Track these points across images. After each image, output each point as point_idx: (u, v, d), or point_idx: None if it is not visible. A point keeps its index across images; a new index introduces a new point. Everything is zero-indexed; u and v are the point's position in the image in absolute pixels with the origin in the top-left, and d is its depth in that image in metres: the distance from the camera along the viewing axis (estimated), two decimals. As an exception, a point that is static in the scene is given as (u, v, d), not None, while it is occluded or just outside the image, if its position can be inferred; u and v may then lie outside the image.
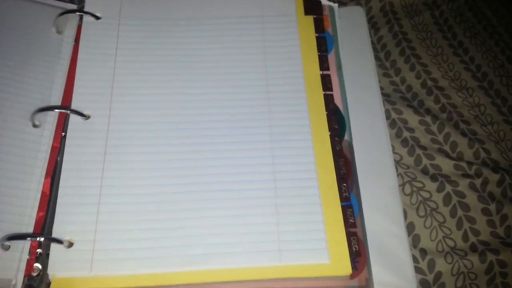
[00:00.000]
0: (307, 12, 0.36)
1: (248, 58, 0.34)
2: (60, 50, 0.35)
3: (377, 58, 0.38)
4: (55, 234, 0.28)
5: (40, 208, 0.29)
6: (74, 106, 0.32)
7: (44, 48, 0.35)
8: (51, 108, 0.32)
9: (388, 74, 0.37)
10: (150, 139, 0.31)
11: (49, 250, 0.28)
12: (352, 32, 0.37)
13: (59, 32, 0.35)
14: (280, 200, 0.29)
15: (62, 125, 0.32)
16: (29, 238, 0.28)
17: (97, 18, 0.35)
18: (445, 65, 0.38)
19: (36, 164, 0.31)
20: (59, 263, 0.27)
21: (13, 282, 0.27)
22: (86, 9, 0.35)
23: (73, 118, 0.32)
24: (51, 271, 0.27)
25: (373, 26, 0.40)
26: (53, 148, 0.31)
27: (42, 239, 0.28)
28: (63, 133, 0.32)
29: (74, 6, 0.37)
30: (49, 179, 0.30)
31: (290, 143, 0.31)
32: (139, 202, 0.29)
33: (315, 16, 0.36)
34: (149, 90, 0.33)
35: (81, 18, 0.36)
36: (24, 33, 0.35)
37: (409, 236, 0.30)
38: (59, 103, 0.33)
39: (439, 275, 0.29)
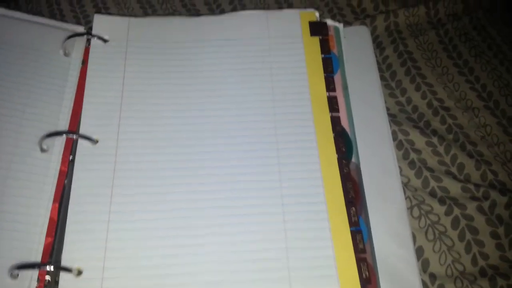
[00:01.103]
0: (313, 33, 0.36)
1: (254, 79, 0.35)
2: (68, 72, 0.35)
3: (382, 78, 0.38)
4: (64, 261, 0.28)
5: (48, 234, 0.29)
6: (82, 130, 0.32)
7: (52, 71, 0.35)
8: (59, 133, 0.32)
9: (394, 95, 0.38)
10: (159, 163, 0.31)
11: (57, 277, 0.28)
12: (358, 52, 0.37)
13: (66, 54, 0.36)
14: (289, 225, 0.29)
15: (70, 148, 0.32)
16: (38, 268, 0.28)
17: (105, 41, 0.36)
18: (450, 85, 0.38)
19: (44, 189, 0.31)
20: (69, 291, 0.27)
21: (23, 310, 0.27)
22: (94, 32, 0.36)
23: (82, 142, 0.32)
24: (61, 300, 0.27)
25: (378, 45, 0.40)
26: (61, 172, 0.31)
27: (51, 268, 0.28)
28: (71, 157, 0.32)
29: (82, 29, 0.37)
30: (56, 205, 0.30)
31: (297, 166, 0.31)
32: (148, 228, 0.29)
33: (320, 37, 0.36)
34: (157, 113, 0.33)
35: (88, 39, 0.36)
36: (32, 55, 0.35)
37: (418, 260, 0.30)
38: (67, 126, 0.33)
39: (449, 300, 0.29)
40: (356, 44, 0.37)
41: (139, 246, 0.28)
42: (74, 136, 0.32)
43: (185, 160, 0.31)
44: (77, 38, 0.36)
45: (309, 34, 0.36)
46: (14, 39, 0.35)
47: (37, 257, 0.29)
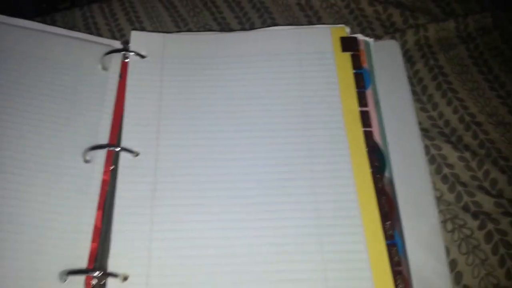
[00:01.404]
0: (344, 49, 0.37)
1: (286, 95, 0.35)
2: (106, 86, 0.36)
3: (413, 92, 0.38)
4: (110, 267, 0.29)
5: (93, 240, 0.31)
6: (124, 143, 0.33)
7: (91, 85, 0.36)
8: (103, 147, 0.33)
9: (425, 109, 0.38)
10: (197, 175, 0.32)
11: (102, 281, 0.29)
12: (388, 66, 0.37)
13: (104, 68, 0.37)
14: (324, 238, 0.30)
15: (111, 159, 0.34)
16: (86, 273, 0.29)
17: (142, 56, 0.37)
18: (481, 100, 0.38)
19: (88, 198, 0.32)
20: (115, 297, 0.28)
21: (71, 314, 0.29)
22: (131, 48, 0.37)
23: (124, 154, 0.33)
24: (107, 305, 0.28)
25: (408, 60, 0.40)
26: (103, 181, 0.33)
27: (99, 274, 0.29)
28: (112, 166, 0.33)
29: (119, 44, 0.38)
30: (100, 212, 0.32)
31: (331, 180, 0.32)
32: (190, 237, 0.30)
33: (352, 53, 0.37)
34: (193, 127, 0.34)
35: (124, 54, 0.37)
36: (73, 71, 0.36)
37: (451, 273, 0.31)
38: (107, 138, 0.34)
39: (483, 313, 0.29)
40: (386, 58, 0.38)
41: (181, 255, 0.30)
42: (117, 149, 0.33)
43: (221, 172, 0.32)
44: (114, 54, 0.37)
45: (340, 49, 0.37)
46: (54, 55, 0.37)
47: (83, 263, 0.30)
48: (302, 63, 0.37)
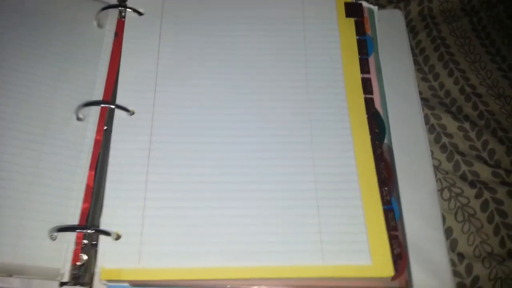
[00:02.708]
0: (348, 14, 0.36)
1: (288, 59, 0.35)
2: (101, 44, 0.35)
3: (415, 62, 0.38)
4: (103, 226, 0.29)
5: (84, 200, 0.30)
6: (118, 101, 0.32)
7: (86, 41, 0.35)
8: (97, 103, 0.32)
9: (427, 79, 0.38)
10: (193, 136, 0.32)
11: (94, 241, 0.29)
12: (391, 35, 0.37)
13: (100, 26, 0.36)
14: (322, 201, 0.30)
15: (104, 118, 0.33)
16: (78, 230, 0.29)
17: (140, 14, 0.36)
18: (483, 72, 0.38)
19: (80, 157, 0.31)
20: (108, 254, 0.28)
21: (61, 271, 0.28)
22: (129, 4, 0.36)
23: (118, 113, 0.32)
24: (100, 263, 0.28)
25: (411, 30, 0.40)
26: (96, 141, 0.32)
27: (92, 231, 0.28)
28: (105, 127, 0.32)
29: (115, 1, 0.37)
30: (93, 172, 0.31)
31: (330, 145, 0.31)
32: (185, 197, 0.30)
33: (356, 19, 0.36)
34: (191, 87, 0.33)
35: (121, 12, 0.36)
36: (67, 26, 0.35)
37: (447, 240, 0.31)
38: (101, 97, 0.33)
39: (476, 279, 0.30)
40: (390, 27, 0.37)
41: (175, 215, 0.29)
42: (111, 106, 0.32)
43: (218, 133, 0.32)
44: (110, 10, 0.36)
45: (344, 15, 0.36)
46: (48, 10, 0.35)
47: (75, 221, 0.29)
48: (305, 27, 0.36)
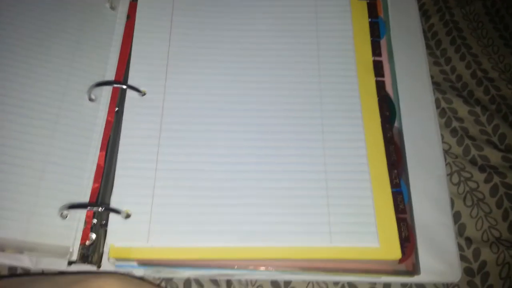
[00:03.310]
0: (361, -3, 0.36)
1: (300, 41, 0.34)
2: (114, 26, 0.35)
3: (427, 46, 0.37)
4: (113, 204, 0.29)
5: (95, 180, 0.31)
6: (130, 82, 0.32)
7: (98, 23, 0.35)
8: (109, 83, 0.33)
9: (438, 63, 0.37)
10: (204, 117, 0.32)
11: (103, 220, 0.29)
12: (403, 19, 0.36)
13: (112, 7, 0.36)
14: (331, 183, 0.30)
15: (116, 100, 0.33)
16: (89, 207, 0.29)
17: (152, -5, 0.36)
18: (495, 57, 0.38)
19: (92, 137, 0.32)
20: (117, 233, 0.28)
21: (71, 250, 0.29)
22: (141, -14, 0.36)
23: (130, 93, 0.32)
24: (109, 241, 0.28)
25: (424, 13, 0.39)
26: (107, 122, 0.32)
27: (102, 209, 0.29)
28: (117, 108, 0.33)
29: (128, -17, 0.37)
30: (103, 153, 0.31)
31: (341, 127, 0.31)
32: (194, 177, 0.30)
33: (368, 1, 0.36)
34: (203, 69, 0.33)
35: (133, -7, 0.36)
36: (80, 7, 0.35)
37: (455, 224, 0.31)
38: (113, 77, 0.34)
39: (483, 264, 0.30)
40: (402, 10, 0.37)
41: (185, 194, 0.29)
42: (123, 87, 0.32)
43: (230, 115, 0.32)
44: (122, -8, 0.36)
45: (356, -3, 0.36)
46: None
47: (85, 200, 0.30)
48: (317, 10, 0.36)
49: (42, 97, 0.31)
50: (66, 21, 0.34)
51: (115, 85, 0.32)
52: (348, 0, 0.36)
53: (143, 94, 0.32)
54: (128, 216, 0.29)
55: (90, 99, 0.32)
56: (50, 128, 0.31)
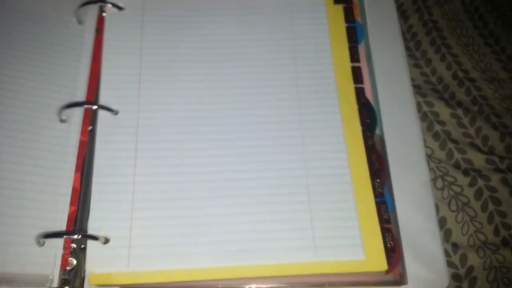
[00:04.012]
0: (337, 1, 0.35)
1: (276, 49, 0.34)
2: (82, 41, 0.34)
3: (407, 47, 0.37)
4: (90, 230, 0.28)
5: (71, 203, 0.30)
6: (102, 101, 0.31)
7: (66, 39, 0.34)
8: (79, 104, 0.31)
9: (418, 65, 0.37)
10: (180, 134, 0.31)
11: (82, 244, 0.28)
12: (381, 20, 0.36)
13: (80, 22, 0.35)
14: (313, 196, 0.29)
15: (89, 119, 0.32)
16: (65, 236, 0.28)
17: (120, 8, 0.34)
18: (476, 56, 0.37)
19: (65, 159, 0.30)
20: (96, 259, 0.27)
21: (50, 277, 0.28)
22: (108, -1, 0.35)
23: (102, 113, 0.31)
24: (89, 268, 0.27)
25: (402, 14, 0.39)
26: (81, 142, 0.31)
27: (79, 236, 0.28)
28: (90, 127, 0.32)
29: (95, -4, 0.36)
30: (79, 174, 0.30)
31: (321, 138, 0.31)
32: (172, 198, 0.29)
33: (344, 5, 0.35)
34: (176, 83, 0.32)
35: (101, 7, 0.35)
36: (46, 24, 0.34)
37: (441, 230, 0.30)
38: (84, 96, 0.32)
39: (471, 269, 0.30)
40: (380, 12, 0.36)
41: (164, 216, 0.29)
42: (94, 107, 0.31)
43: (206, 130, 0.31)
44: (89, 6, 0.35)
45: (332, 2, 0.35)
46: (27, 8, 0.34)
47: (62, 226, 0.29)
48: (292, 16, 0.35)
49: (11, 121, 0.30)
50: (32, 40, 0.33)
51: (87, 106, 0.31)
52: (323, 5, 0.35)
53: (116, 112, 0.31)
54: (106, 241, 0.28)
55: (62, 120, 0.31)
56: (21, 154, 0.29)
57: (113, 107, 0.31)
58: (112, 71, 0.33)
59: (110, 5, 0.34)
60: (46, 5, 0.34)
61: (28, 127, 0.30)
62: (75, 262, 0.28)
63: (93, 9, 0.35)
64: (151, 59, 0.33)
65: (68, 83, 0.32)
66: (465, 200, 0.32)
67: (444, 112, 0.35)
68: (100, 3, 0.34)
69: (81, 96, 0.32)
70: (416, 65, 0.37)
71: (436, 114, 0.35)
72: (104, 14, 0.34)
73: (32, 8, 0.34)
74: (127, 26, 0.34)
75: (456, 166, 0.33)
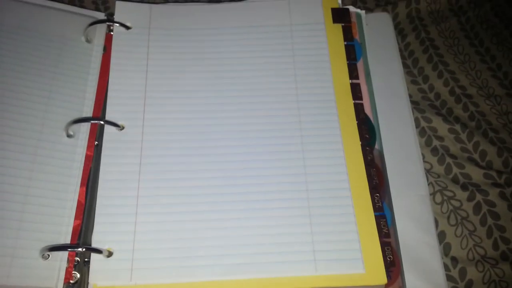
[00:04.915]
0: (336, 20, 0.36)
1: (276, 67, 0.35)
2: (90, 59, 0.35)
3: (404, 65, 0.38)
4: (94, 243, 0.29)
5: (76, 217, 0.30)
6: (108, 117, 0.32)
7: (74, 57, 0.35)
8: (86, 120, 0.32)
9: (416, 82, 0.38)
10: (184, 149, 0.32)
11: (86, 258, 0.29)
12: (379, 39, 0.37)
13: (88, 41, 0.36)
14: (313, 210, 0.30)
15: (95, 134, 0.33)
16: (70, 249, 0.29)
17: (127, 28, 0.36)
18: (472, 73, 0.38)
19: (71, 174, 0.31)
20: (99, 272, 0.28)
21: (54, 291, 0.28)
22: (116, 19, 0.36)
23: (108, 128, 0.32)
24: (92, 281, 0.28)
25: (400, 32, 0.40)
26: (87, 157, 0.32)
27: (83, 249, 0.28)
28: (96, 142, 0.32)
29: (103, 16, 0.37)
30: (84, 188, 0.31)
31: (321, 153, 0.31)
32: (176, 212, 0.30)
33: (343, 24, 0.36)
34: (181, 100, 0.33)
35: (109, 26, 0.36)
36: (55, 42, 0.35)
37: (440, 244, 0.31)
38: (91, 112, 0.33)
39: (470, 283, 0.30)
40: (378, 31, 0.37)
41: (168, 229, 0.29)
42: (100, 122, 0.32)
43: (210, 146, 0.32)
44: (98, 25, 0.36)
45: (331, 21, 0.36)
46: (36, 26, 0.35)
47: (66, 239, 0.29)
48: (293, 35, 0.36)
49: (19, 136, 0.31)
50: (41, 57, 0.34)
51: (93, 122, 0.32)
52: (323, 24, 0.36)
53: (122, 128, 0.32)
54: (110, 254, 0.28)
55: (68, 135, 0.32)
56: (28, 168, 0.30)
57: (119, 122, 0.32)
58: (119, 88, 0.34)
59: (117, 25, 0.35)
60: (56, 23, 0.36)
61: (36, 141, 0.31)
62: (78, 275, 0.29)
63: (101, 28, 0.36)
64: (156, 77, 0.34)
65: (76, 100, 0.34)
66: (464, 214, 0.32)
67: (442, 127, 0.35)
68: (108, 23, 0.36)
69: (88, 112, 0.33)
70: (414, 82, 0.38)
71: (434, 130, 0.35)
72: (112, 33, 0.36)
73: (42, 27, 0.35)
74: (133, 44, 0.35)
75: (455, 180, 0.33)
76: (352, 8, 0.37)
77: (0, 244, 0.28)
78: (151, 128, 0.32)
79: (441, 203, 0.32)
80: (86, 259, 0.29)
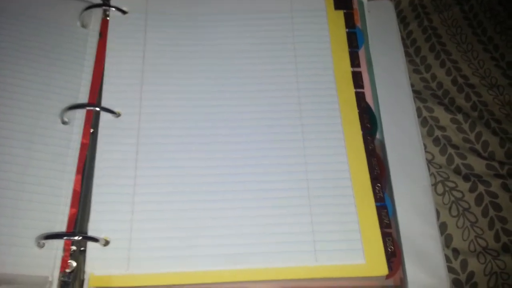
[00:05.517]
0: (337, 6, 0.35)
1: (277, 54, 0.34)
2: (86, 44, 0.34)
3: (406, 53, 0.37)
4: (90, 232, 0.28)
5: (72, 205, 0.30)
6: (104, 103, 0.32)
7: (70, 43, 0.34)
8: (81, 106, 0.31)
9: (418, 71, 0.37)
10: (182, 137, 0.31)
11: (82, 247, 0.28)
12: (381, 26, 0.36)
13: (84, 26, 0.35)
14: (314, 200, 0.29)
15: (91, 121, 0.32)
16: (66, 237, 0.28)
17: (124, 12, 0.35)
18: (475, 62, 0.38)
19: (67, 161, 0.30)
20: (96, 261, 0.27)
21: (50, 279, 0.28)
22: (112, 3, 0.35)
23: (104, 115, 0.31)
24: (88, 269, 0.27)
25: (402, 20, 0.39)
26: (82, 144, 0.31)
27: (79, 238, 0.28)
28: (92, 130, 0.32)
29: (99, 0, 0.36)
30: (80, 176, 0.30)
31: (322, 142, 0.31)
32: (173, 200, 0.29)
33: (345, 11, 0.35)
34: (178, 86, 0.33)
35: (105, 11, 0.35)
36: (50, 28, 0.34)
37: (441, 235, 0.30)
38: (86, 99, 0.33)
39: (471, 275, 0.29)
40: (380, 18, 0.36)
41: (165, 218, 0.29)
42: (96, 109, 0.31)
43: (208, 134, 0.31)
44: (93, 10, 0.35)
45: (333, 7, 0.35)
46: (31, 11, 0.34)
47: (62, 228, 0.29)
48: (293, 21, 0.35)
49: (13, 123, 0.30)
50: (36, 42, 0.33)
51: (88, 108, 0.31)
52: (324, 11, 0.35)
53: (118, 115, 0.31)
54: (107, 243, 0.28)
55: (64, 122, 0.31)
56: (23, 155, 0.30)
57: (115, 109, 0.32)
58: (115, 74, 0.33)
59: (114, 9, 0.35)
60: (50, 8, 0.35)
61: (30, 128, 0.30)
62: (74, 264, 0.28)
63: (97, 13, 0.35)
64: (153, 62, 0.33)
65: (71, 86, 0.33)
66: (465, 205, 0.32)
67: (444, 117, 0.35)
68: (104, 7, 0.35)
69: (83, 98, 0.32)
70: (416, 71, 0.37)
71: (436, 120, 0.35)
72: (108, 18, 0.35)
73: (36, 12, 0.34)
74: (130, 29, 0.34)
75: (457, 171, 0.33)
76: (354, -5, 0.36)
77: (-7, 232, 0.27)
78: (148, 115, 0.31)
79: (443, 194, 0.32)
80: (82, 248, 0.28)
